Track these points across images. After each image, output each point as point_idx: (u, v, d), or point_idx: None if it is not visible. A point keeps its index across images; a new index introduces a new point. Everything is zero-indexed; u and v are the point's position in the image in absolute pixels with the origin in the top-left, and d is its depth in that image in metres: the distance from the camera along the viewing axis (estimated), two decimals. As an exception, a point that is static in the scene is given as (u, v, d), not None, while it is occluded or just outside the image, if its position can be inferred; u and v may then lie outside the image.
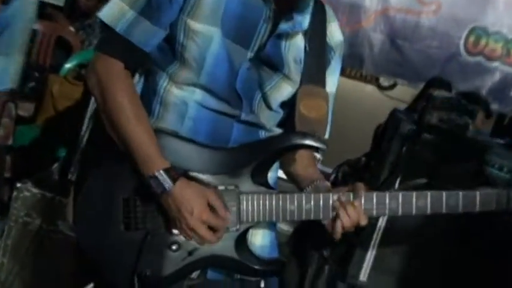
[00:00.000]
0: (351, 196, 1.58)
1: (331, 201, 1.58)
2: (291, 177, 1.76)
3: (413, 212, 1.59)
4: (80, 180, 1.64)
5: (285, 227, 3.35)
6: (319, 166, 1.79)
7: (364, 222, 1.58)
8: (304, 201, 1.58)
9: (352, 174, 3.20)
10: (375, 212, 1.59)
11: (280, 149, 1.61)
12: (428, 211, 1.59)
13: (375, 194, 1.59)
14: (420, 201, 1.58)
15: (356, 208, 1.56)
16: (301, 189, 1.69)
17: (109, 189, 1.58)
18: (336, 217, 1.57)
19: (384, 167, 2.71)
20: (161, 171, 1.52)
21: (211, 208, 1.55)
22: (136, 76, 1.65)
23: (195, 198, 1.53)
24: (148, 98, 1.61)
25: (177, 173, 1.53)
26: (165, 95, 1.61)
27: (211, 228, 1.55)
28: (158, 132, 1.57)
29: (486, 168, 2.56)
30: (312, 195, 1.59)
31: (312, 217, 1.59)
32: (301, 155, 1.72)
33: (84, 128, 3.83)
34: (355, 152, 3.33)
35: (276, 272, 1.67)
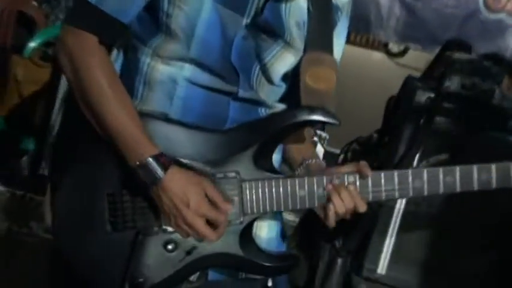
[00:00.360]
0: (356, 178, 1.59)
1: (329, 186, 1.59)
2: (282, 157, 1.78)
3: (441, 190, 1.59)
4: (55, 176, 1.64)
5: (289, 217, 3.38)
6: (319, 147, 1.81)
7: (362, 209, 1.58)
8: (315, 185, 1.59)
9: (363, 153, 3.19)
10: (397, 194, 1.60)
11: (285, 128, 1.61)
12: (458, 189, 1.59)
13: (396, 173, 1.59)
14: (448, 178, 1.58)
15: (351, 193, 1.57)
16: (292, 171, 1.72)
17: (91, 184, 1.58)
18: (327, 202, 1.58)
19: (399, 143, 2.72)
20: (149, 159, 1.51)
21: (210, 200, 1.55)
22: (114, 53, 1.64)
23: (190, 188, 1.52)
24: (130, 77, 1.61)
25: (168, 159, 1.52)
26: (150, 72, 1.60)
27: (211, 224, 1.55)
28: (143, 115, 1.56)
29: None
30: (324, 179, 1.60)
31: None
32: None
33: (54, 115, 3.82)
34: (365, 129, 3.33)
35: (288, 268, 1.68)
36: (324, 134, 1.88)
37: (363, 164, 1.60)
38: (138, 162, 1.51)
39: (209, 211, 1.54)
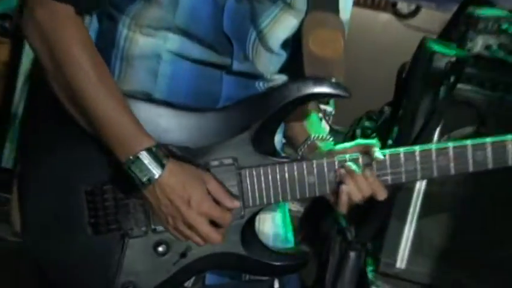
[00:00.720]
0: (365, 159, 1.60)
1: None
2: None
3: (471, 168, 1.60)
4: (24, 171, 1.62)
5: (293, 206, 3.40)
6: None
7: (382, 195, 1.60)
8: (326, 169, 1.60)
9: (374, 130, 3.21)
10: (419, 175, 1.61)
11: (288, 104, 1.60)
12: (490, 165, 1.59)
13: (418, 151, 1.59)
14: (478, 154, 1.59)
15: (368, 178, 1.58)
16: (295, 151, 1.74)
17: (65, 180, 1.58)
18: (340, 187, 1.59)
19: (416, 115, 2.73)
20: (144, 153, 1.49)
21: (213, 196, 1.55)
22: (86, 21, 1.61)
23: (191, 184, 1.52)
24: (105, 51, 1.58)
25: (165, 151, 1.52)
26: (128, 46, 1.59)
27: (214, 224, 1.55)
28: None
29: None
30: (336, 161, 1.61)
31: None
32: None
33: (16, 98, 3.79)
34: (374, 102, 3.36)
35: (297, 266, 1.68)
36: (329, 109, 1.87)
37: (374, 144, 1.61)
38: (130, 157, 1.49)
39: (213, 209, 1.54)
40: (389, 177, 1.60)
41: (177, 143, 1.57)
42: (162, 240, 1.58)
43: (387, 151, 1.60)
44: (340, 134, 3.25)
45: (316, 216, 3.10)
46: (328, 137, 1.73)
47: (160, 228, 1.57)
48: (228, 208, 1.55)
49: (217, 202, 1.54)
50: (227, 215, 1.55)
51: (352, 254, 2.89)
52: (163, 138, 1.56)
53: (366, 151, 1.61)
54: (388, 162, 1.59)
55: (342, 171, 1.59)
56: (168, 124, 1.57)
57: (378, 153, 1.59)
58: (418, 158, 1.59)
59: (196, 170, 1.55)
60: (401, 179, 1.61)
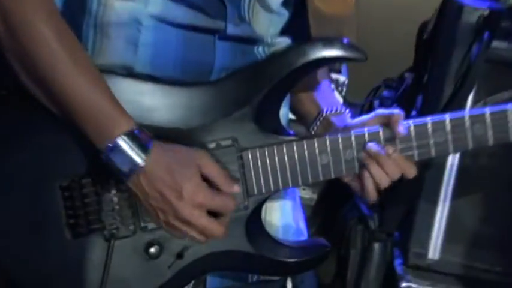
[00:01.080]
0: (386, 133, 1.61)
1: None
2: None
3: None
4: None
5: (304, 193, 3.37)
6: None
7: (411, 173, 1.61)
8: (341, 146, 1.61)
9: (395, 100, 3.20)
10: (451, 147, 1.61)
11: (293, 71, 1.60)
12: None
13: (448, 119, 1.60)
14: None
15: (395, 159, 1.59)
16: (307, 129, 1.76)
17: (35, 174, 1.57)
18: (362, 171, 1.62)
19: (444, 80, 2.69)
20: (123, 137, 1.49)
21: (209, 181, 1.54)
22: None
23: (182, 171, 1.51)
24: (74, 21, 1.58)
25: (149, 134, 1.52)
26: (102, 11, 1.58)
27: (213, 214, 1.55)
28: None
29: None
30: (352, 135, 1.61)
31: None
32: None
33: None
34: (393, 68, 3.34)
35: (315, 262, 1.68)
36: (341, 78, 1.89)
37: (396, 114, 1.62)
38: (109, 144, 1.49)
39: (210, 198, 1.53)
40: (415, 152, 1.61)
41: (165, 124, 1.58)
42: (154, 239, 1.58)
43: (412, 122, 1.60)
44: (356, 107, 3.25)
45: (331, 204, 3.11)
46: (343, 110, 1.74)
47: (151, 225, 1.58)
48: (227, 191, 1.55)
49: (215, 187, 1.54)
50: (228, 200, 1.55)
51: (377, 246, 2.89)
52: (149, 119, 1.56)
53: (387, 123, 1.61)
54: (413, 135, 1.60)
55: (363, 154, 1.60)
56: (154, 102, 1.57)
57: (401, 125, 1.60)
58: (448, 128, 1.60)
59: (188, 152, 1.55)
60: (430, 153, 1.61)
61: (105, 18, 1.58)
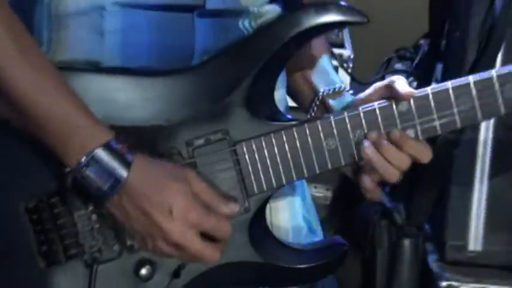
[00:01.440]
0: (411, 104, 1.61)
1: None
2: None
3: None
4: None
5: (316, 192, 3.40)
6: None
7: (427, 158, 1.62)
8: (349, 126, 1.62)
9: (411, 72, 3.20)
10: (479, 113, 1.61)
11: (286, 45, 1.60)
12: None
13: (472, 80, 1.60)
14: None
15: (411, 145, 1.60)
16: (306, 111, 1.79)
17: None
18: (362, 167, 1.64)
19: (467, 42, 2.69)
20: (101, 150, 1.48)
21: (201, 200, 1.55)
22: None
23: (170, 185, 1.52)
24: (25, 13, 1.57)
25: (127, 146, 1.51)
26: (57, 1, 1.59)
27: (206, 235, 1.55)
28: (62, 71, 1.55)
29: None
30: (361, 112, 1.61)
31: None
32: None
33: None
34: (404, 36, 3.36)
35: (333, 265, 1.69)
36: (346, 53, 1.89)
37: (398, 79, 1.63)
38: (82, 160, 1.48)
39: (204, 218, 1.54)
40: (437, 123, 1.61)
41: (143, 123, 1.58)
42: (144, 259, 1.58)
43: (430, 89, 1.60)
44: (366, 86, 3.26)
45: (349, 200, 3.05)
46: (343, 88, 1.76)
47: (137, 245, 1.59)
48: (223, 213, 1.55)
49: (207, 206, 1.54)
50: (224, 223, 1.55)
51: (406, 242, 2.88)
52: (123, 119, 1.57)
53: (395, 93, 1.61)
54: (432, 104, 1.60)
55: (368, 151, 1.60)
56: (128, 99, 1.58)
57: (409, 87, 1.61)
58: (474, 92, 1.60)
59: (175, 165, 1.56)
60: (455, 123, 1.61)
61: (62, 7, 1.58)
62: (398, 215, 2.90)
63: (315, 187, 3.33)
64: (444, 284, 2.73)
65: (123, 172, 1.48)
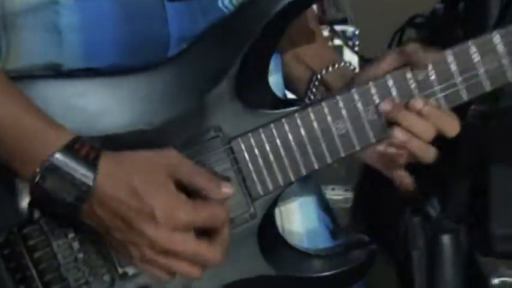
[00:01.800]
0: (429, 70, 1.61)
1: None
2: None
3: None
4: None
5: (333, 194, 3.42)
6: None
7: (455, 130, 1.63)
8: (360, 103, 1.63)
9: (427, 40, 3.18)
10: (510, 73, 1.62)
11: (272, 23, 1.61)
12: None
13: (498, 34, 1.60)
14: None
15: (435, 112, 1.61)
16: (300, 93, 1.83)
17: None
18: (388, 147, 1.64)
19: (487, 2, 2.73)
20: (59, 155, 1.47)
21: (189, 188, 1.53)
22: None
23: (146, 183, 1.50)
24: None
25: (90, 144, 1.51)
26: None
27: (202, 231, 1.54)
28: (15, 81, 1.55)
29: None
30: (371, 86, 1.62)
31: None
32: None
33: None
34: (417, 2, 3.36)
35: (360, 270, 1.71)
36: (350, 29, 1.89)
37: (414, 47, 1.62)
38: (37, 169, 1.48)
39: (194, 211, 1.52)
40: (463, 87, 1.61)
41: (121, 129, 1.58)
42: (141, 286, 1.60)
43: (449, 51, 1.61)
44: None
45: (373, 198, 3.11)
46: (344, 64, 1.78)
47: (132, 270, 1.58)
48: (217, 198, 1.53)
49: (196, 194, 1.53)
50: (219, 209, 1.53)
51: (446, 238, 2.87)
52: (97, 127, 1.57)
53: (409, 60, 1.61)
54: (454, 68, 1.60)
55: (387, 107, 1.61)
56: (99, 104, 1.59)
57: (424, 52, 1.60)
58: (501, 48, 1.61)
59: (149, 156, 1.54)
60: (482, 86, 1.63)
61: (7, 4, 1.57)
62: (433, 208, 2.92)
63: (333, 189, 3.34)
64: (496, 281, 2.72)
65: (87, 176, 1.47)
